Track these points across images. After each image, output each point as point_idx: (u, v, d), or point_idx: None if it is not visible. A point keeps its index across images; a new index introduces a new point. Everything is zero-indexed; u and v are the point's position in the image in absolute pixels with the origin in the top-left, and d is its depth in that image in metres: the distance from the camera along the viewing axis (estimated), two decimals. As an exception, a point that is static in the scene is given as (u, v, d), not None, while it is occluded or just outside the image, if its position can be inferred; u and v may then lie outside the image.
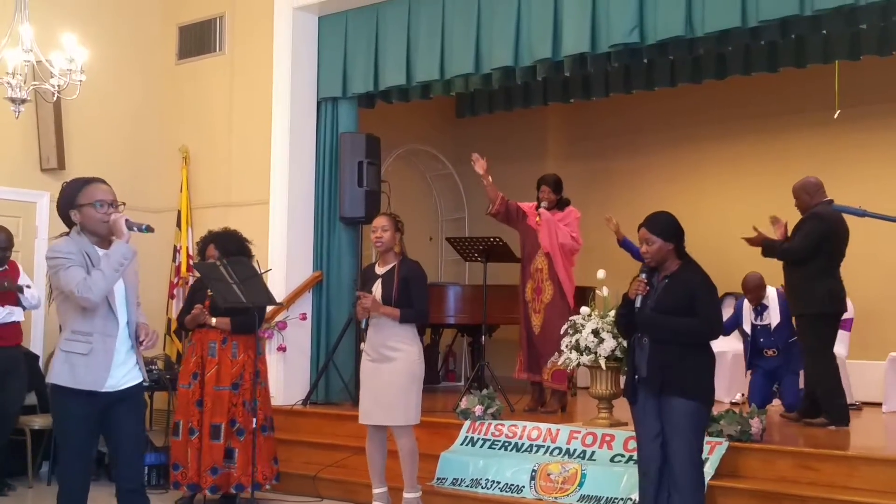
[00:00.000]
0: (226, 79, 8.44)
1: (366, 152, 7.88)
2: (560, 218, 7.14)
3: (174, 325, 8.13)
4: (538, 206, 7.16)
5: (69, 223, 3.95)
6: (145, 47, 8.85)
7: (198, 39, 8.73)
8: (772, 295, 7.39)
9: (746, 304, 7.49)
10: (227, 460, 6.04)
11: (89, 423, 3.87)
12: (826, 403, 6.37)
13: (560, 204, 7.20)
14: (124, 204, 3.98)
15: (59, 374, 3.83)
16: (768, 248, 6.47)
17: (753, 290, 7.40)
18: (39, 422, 7.12)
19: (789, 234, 6.46)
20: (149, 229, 3.95)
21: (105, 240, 3.92)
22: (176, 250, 8.33)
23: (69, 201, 3.90)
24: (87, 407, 3.82)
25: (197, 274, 6.70)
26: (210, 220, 8.00)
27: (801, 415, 6.62)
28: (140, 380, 4.02)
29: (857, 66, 8.14)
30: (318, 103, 8.21)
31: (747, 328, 7.47)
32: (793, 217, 6.52)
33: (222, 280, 5.73)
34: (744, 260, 7.45)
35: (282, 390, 7.60)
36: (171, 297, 8.28)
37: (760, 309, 7.40)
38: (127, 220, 3.86)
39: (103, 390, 3.83)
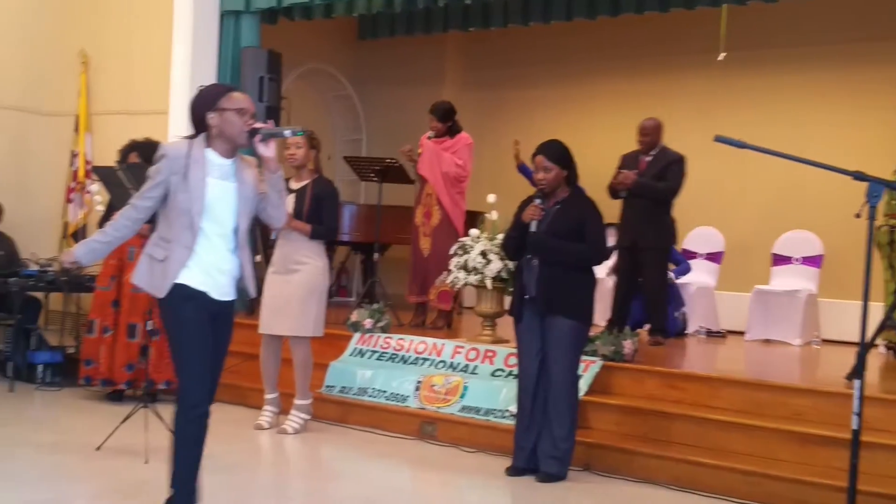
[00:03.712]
0: (128, -16, 8.34)
1: (267, 68, 7.93)
2: (448, 146, 7.32)
3: (71, 229, 8.15)
4: (428, 136, 7.37)
5: (200, 127, 3.74)
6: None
7: (100, -60, 8.54)
8: None
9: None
10: (141, 357, 6.24)
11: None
12: (663, 321, 7.09)
13: (451, 131, 7.38)
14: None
15: (134, 273, 3.78)
16: (642, 187, 6.83)
17: None
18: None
19: (635, 170, 6.89)
20: (300, 132, 3.95)
21: (233, 150, 3.75)
22: (73, 155, 8.27)
23: (210, 103, 3.70)
24: (195, 310, 3.69)
25: (97, 178, 6.75)
26: (109, 126, 8.01)
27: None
28: (232, 298, 3.84)
29: (743, 11, 8.50)
30: (221, 16, 8.17)
31: None
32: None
33: (121, 185, 5.73)
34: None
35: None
36: (69, 201, 8.26)
37: None
38: (264, 129, 3.69)
39: (216, 297, 3.72)
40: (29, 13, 8.42)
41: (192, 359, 3.69)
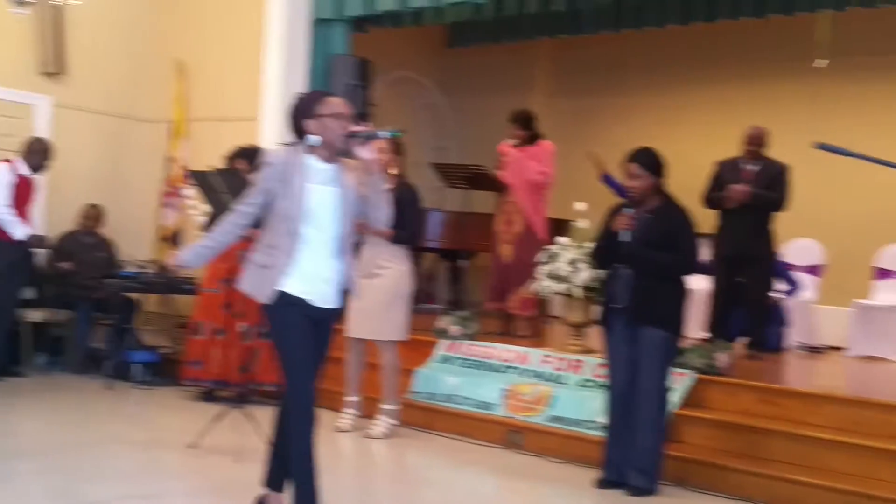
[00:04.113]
0: (224, -7, 8.51)
1: (357, 75, 8.01)
2: (532, 154, 7.28)
3: (166, 233, 8.36)
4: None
5: (299, 134, 3.76)
6: (146, -42, 8.85)
7: (198, -48, 8.74)
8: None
9: None
10: (252, 360, 6.42)
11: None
12: (762, 335, 6.97)
13: (532, 139, 7.34)
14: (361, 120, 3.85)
15: (240, 279, 3.82)
16: (755, 198, 6.68)
17: None
18: (37, 315, 7.44)
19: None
20: (398, 133, 3.90)
21: (333, 154, 3.75)
22: (169, 160, 8.47)
23: (307, 110, 3.74)
24: (297, 316, 3.71)
25: (192, 182, 6.89)
26: (203, 133, 8.17)
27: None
28: (338, 306, 3.85)
29: (843, 17, 8.26)
30: (312, 24, 8.26)
31: None
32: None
33: (215, 189, 5.86)
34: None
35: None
36: (164, 205, 8.46)
37: None
38: (362, 132, 3.71)
39: (317, 304, 3.73)
40: (129, 25, 8.65)
41: (296, 364, 3.71)
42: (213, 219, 6.38)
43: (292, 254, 3.68)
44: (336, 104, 3.76)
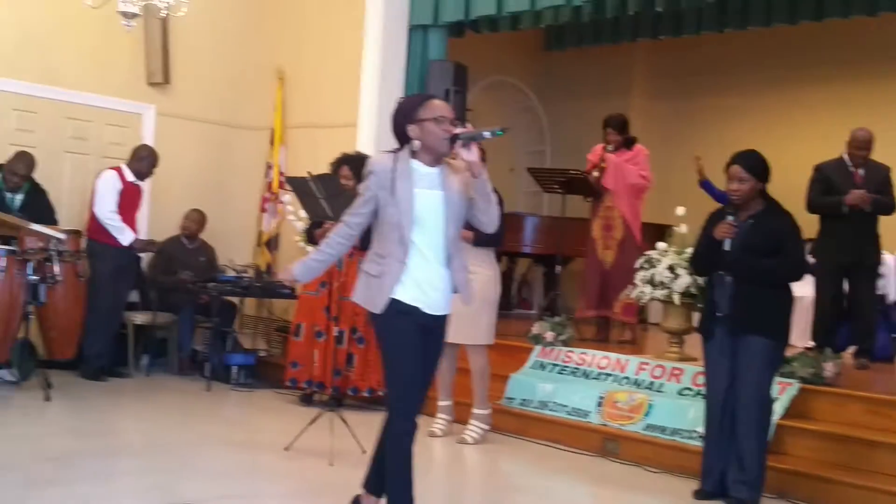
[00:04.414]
0: (323, 3, 8.58)
1: (453, 80, 8.00)
2: (629, 158, 7.22)
3: (264, 238, 8.52)
4: (605, 148, 7.27)
5: (402, 139, 3.73)
6: (247, -31, 9.04)
7: (297, -37, 8.88)
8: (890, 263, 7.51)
9: None
10: (347, 365, 6.48)
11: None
12: (872, 343, 6.69)
13: (627, 143, 7.27)
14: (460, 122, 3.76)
15: (353, 291, 3.80)
16: (875, 203, 6.50)
17: None
18: (141, 318, 7.66)
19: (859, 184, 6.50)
20: (500, 132, 3.64)
21: (437, 158, 3.70)
22: (269, 167, 8.64)
23: (408, 115, 3.70)
24: (407, 325, 3.68)
25: (289, 188, 7.00)
26: (302, 139, 8.29)
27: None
28: (447, 312, 3.79)
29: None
30: (410, 30, 8.31)
31: None
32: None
33: (311, 195, 5.91)
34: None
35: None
36: (263, 210, 8.62)
37: None
38: (465, 133, 3.62)
39: (428, 312, 3.70)
40: (231, 34, 8.84)
41: (403, 373, 3.68)
42: (311, 225, 6.48)
43: (404, 261, 3.64)
44: (438, 107, 3.69)
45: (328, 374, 6.54)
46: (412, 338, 3.67)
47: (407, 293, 3.65)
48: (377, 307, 3.66)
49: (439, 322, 3.79)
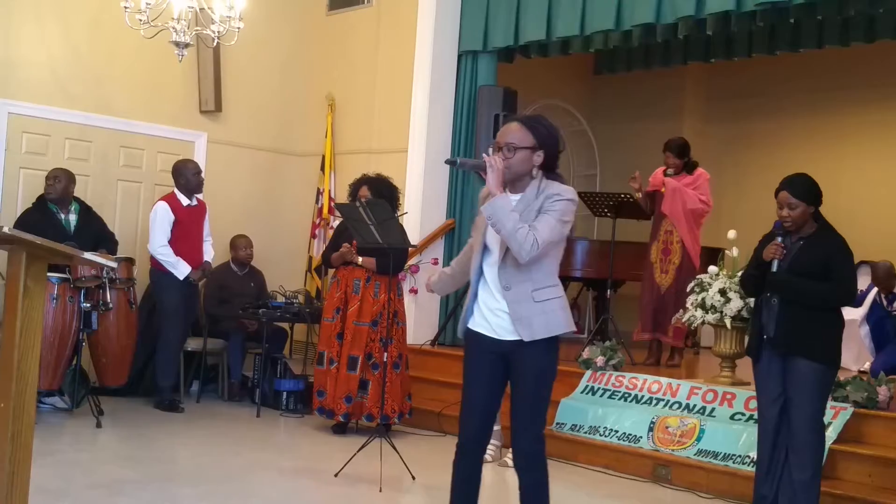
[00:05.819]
0: (372, 31, 8.68)
1: (503, 105, 8.00)
2: (689, 182, 7.19)
3: (315, 263, 8.58)
4: (665, 172, 7.24)
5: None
6: (298, -1, 9.19)
7: (347, -8, 9.01)
8: None
9: (875, 291, 7.37)
10: (361, 391, 6.41)
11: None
12: None
13: (687, 167, 7.24)
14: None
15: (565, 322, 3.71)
16: None
17: (885, 279, 7.29)
18: (192, 344, 7.72)
19: None
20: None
21: (513, 186, 3.64)
22: (319, 193, 8.72)
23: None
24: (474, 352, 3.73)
25: (338, 215, 7.04)
26: (352, 165, 8.36)
27: None
28: (515, 337, 3.61)
29: None
30: (459, 56, 8.36)
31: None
32: None
33: (361, 220, 5.92)
34: (881, 231, 7.31)
35: (412, 331, 7.89)
36: (313, 236, 8.69)
37: (892, 298, 7.28)
38: (465, 163, 3.72)
39: (495, 338, 3.65)
40: (281, 62, 8.98)
41: (464, 400, 3.75)
42: (359, 251, 6.50)
43: (475, 289, 3.71)
44: (497, 135, 3.69)
45: (337, 401, 6.44)
46: (476, 365, 3.71)
47: (474, 319, 3.72)
48: (462, 334, 3.79)
49: (513, 347, 3.62)
